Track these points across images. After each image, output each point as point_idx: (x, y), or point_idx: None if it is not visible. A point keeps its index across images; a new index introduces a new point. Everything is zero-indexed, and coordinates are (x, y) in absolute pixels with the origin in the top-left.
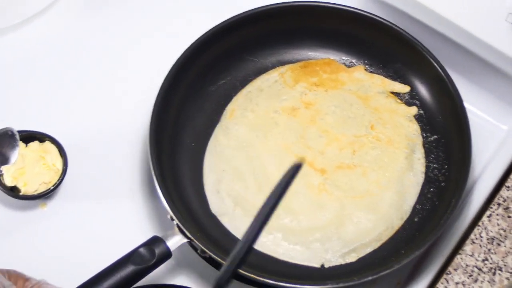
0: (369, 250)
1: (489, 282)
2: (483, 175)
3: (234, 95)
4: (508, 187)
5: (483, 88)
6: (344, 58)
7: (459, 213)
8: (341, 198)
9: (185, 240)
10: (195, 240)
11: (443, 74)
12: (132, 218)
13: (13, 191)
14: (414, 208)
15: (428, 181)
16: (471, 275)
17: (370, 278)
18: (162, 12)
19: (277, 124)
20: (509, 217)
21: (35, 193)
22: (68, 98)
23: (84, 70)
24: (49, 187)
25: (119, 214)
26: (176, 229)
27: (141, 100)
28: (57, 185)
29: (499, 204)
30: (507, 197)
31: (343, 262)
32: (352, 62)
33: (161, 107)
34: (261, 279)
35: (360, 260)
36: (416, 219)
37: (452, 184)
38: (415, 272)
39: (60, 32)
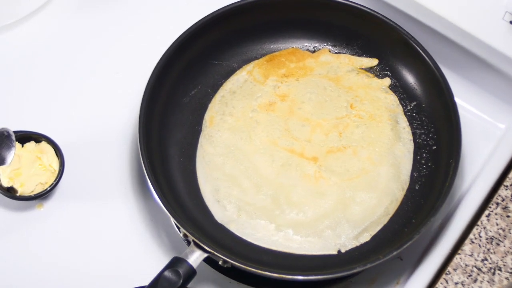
0: (380, 226)
1: (488, 282)
2: (481, 175)
3: (209, 103)
4: (507, 186)
5: (480, 87)
6: (306, 44)
7: (457, 211)
8: (339, 182)
9: (206, 254)
10: (215, 253)
11: (409, 39)
12: (128, 218)
13: (10, 192)
14: (412, 176)
15: (419, 147)
16: (470, 275)
17: (395, 252)
18: (144, 17)
19: (258, 123)
20: (508, 216)
21: (32, 193)
22: (64, 98)
23: (80, 70)
24: (45, 188)
25: (115, 214)
26: (194, 246)
27: (137, 101)
28: (53, 186)
29: (497, 204)
30: (506, 196)
31: (358, 244)
32: (315, 47)
33: (145, 127)
34: (290, 276)
35: (374, 238)
36: (417, 187)
37: (444, 145)
38: (414, 272)
39: (54, 32)
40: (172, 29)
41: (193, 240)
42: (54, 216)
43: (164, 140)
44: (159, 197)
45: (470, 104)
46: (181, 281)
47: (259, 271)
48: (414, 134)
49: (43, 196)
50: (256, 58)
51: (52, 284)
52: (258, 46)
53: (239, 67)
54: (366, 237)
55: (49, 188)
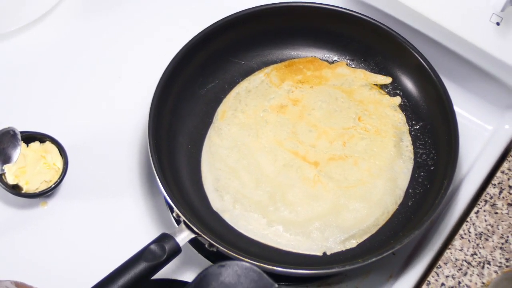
0: (367, 235)
1: (478, 275)
2: (470, 174)
3: (224, 97)
4: (495, 184)
5: (468, 90)
6: (326, 55)
7: (448, 208)
8: (335, 188)
9: (193, 235)
10: (202, 235)
11: (423, 63)
12: (131, 216)
13: (15, 189)
14: (407, 192)
15: (418, 166)
16: (460, 269)
17: (374, 259)
18: (155, 17)
19: (267, 122)
20: (496, 213)
21: (37, 191)
22: (67, 100)
23: (82, 73)
24: (50, 186)
25: (118, 212)
26: (183, 225)
27: (139, 101)
28: (57, 184)
29: (486, 201)
30: (494, 194)
31: (343, 249)
32: (334, 59)
33: (156, 112)
34: (270, 267)
35: (360, 245)
36: (410, 203)
37: (441, 166)
38: (406, 266)
39: (59, 36)
40: (184, 35)
41: (183, 220)
42: (57, 214)
43: (175, 127)
44: (159, 178)
45: (458, 106)
46: (165, 255)
47: (241, 258)
48: (415, 153)
49: (47, 193)
50: (276, 62)
51: (56, 280)
52: (280, 51)
53: (258, 68)
54: (352, 244)
55: (53, 186)
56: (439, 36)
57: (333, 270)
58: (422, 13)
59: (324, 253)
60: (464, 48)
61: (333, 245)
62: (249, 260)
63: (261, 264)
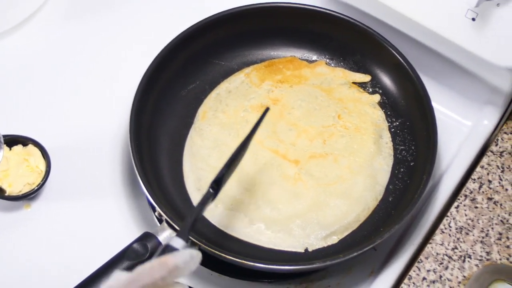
0: (349, 231)
1: (459, 269)
2: (450, 169)
3: (204, 98)
4: (474, 179)
5: (447, 86)
6: (305, 55)
7: (428, 203)
8: (316, 186)
9: (175, 234)
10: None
11: (401, 60)
12: (115, 216)
13: None
14: (387, 188)
15: (398, 162)
16: (441, 263)
17: (355, 253)
18: (135, 19)
19: (248, 122)
20: (476, 207)
21: (20, 193)
22: (49, 103)
23: (63, 76)
24: (33, 188)
25: (102, 212)
26: (165, 224)
27: (120, 103)
28: (40, 186)
29: (466, 196)
30: (474, 189)
31: (325, 245)
32: (313, 58)
33: (137, 113)
34: (251, 263)
35: (342, 241)
36: (390, 199)
37: (421, 162)
38: (388, 261)
39: (40, 41)
40: (164, 36)
41: (165, 219)
42: (41, 216)
43: (156, 128)
44: (141, 178)
45: (436, 102)
46: (147, 254)
47: (223, 255)
48: (395, 149)
49: (30, 195)
50: (256, 62)
51: (40, 281)
52: (259, 51)
53: (239, 69)
54: (333, 240)
55: (36, 188)
56: (416, 33)
57: (314, 265)
58: (399, 11)
59: (306, 250)
60: (441, 45)
61: (315, 241)
62: (231, 257)
63: (242, 261)
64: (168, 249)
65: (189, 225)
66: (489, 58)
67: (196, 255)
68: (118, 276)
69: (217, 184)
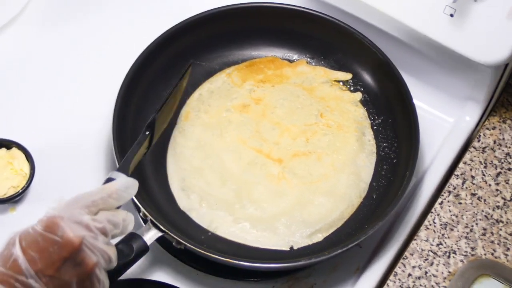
0: (333, 229)
1: (444, 264)
2: (433, 165)
3: (187, 99)
4: (457, 175)
5: (428, 83)
6: (286, 54)
7: (412, 200)
8: (300, 184)
9: (160, 233)
10: (169, 233)
11: (382, 58)
12: None
13: None
14: (371, 185)
15: (381, 159)
16: (426, 259)
17: (339, 250)
18: (115, 21)
19: (231, 122)
20: (459, 203)
21: (4, 196)
22: (33, 106)
23: (45, 79)
24: (17, 191)
25: None
26: (150, 224)
27: (103, 105)
28: (25, 188)
29: (449, 192)
30: (457, 185)
31: (310, 243)
32: (294, 58)
33: (120, 115)
34: (236, 262)
35: (327, 239)
36: (374, 196)
37: (403, 159)
38: (373, 258)
39: (22, 44)
40: (145, 38)
41: (150, 219)
42: (26, 219)
43: (139, 129)
44: None
45: (419, 100)
46: (133, 254)
47: (208, 254)
48: (378, 146)
49: (15, 198)
50: (237, 62)
51: None
52: (240, 52)
53: (220, 69)
54: (318, 238)
55: (21, 191)
56: (396, 31)
57: (300, 263)
58: (378, 9)
59: (291, 248)
60: (421, 42)
61: (300, 239)
62: (216, 256)
63: (228, 260)
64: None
65: (128, 160)
66: (468, 54)
67: (133, 182)
68: (60, 200)
69: (151, 128)
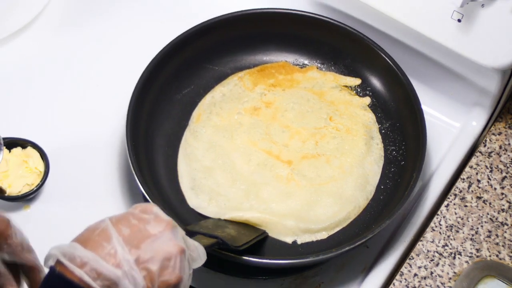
0: (338, 228)
1: (449, 265)
2: (440, 169)
3: (199, 101)
4: (463, 179)
5: (436, 89)
6: (297, 60)
7: (418, 202)
8: (308, 186)
9: None
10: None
11: (391, 64)
12: None
13: None
14: (378, 187)
15: (388, 162)
16: (432, 260)
17: (347, 248)
18: (129, 25)
19: (241, 124)
20: (465, 206)
21: (19, 194)
22: (48, 107)
23: (62, 81)
24: (32, 188)
25: (99, 213)
26: None
27: (117, 106)
28: (39, 186)
29: (455, 195)
30: (463, 188)
31: (314, 240)
32: (305, 63)
33: (133, 116)
34: (244, 258)
35: (331, 237)
36: (381, 197)
37: (411, 161)
38: (380, 258)
39: (39, 46)
40: (159, 41)
41: None
42: (40, 216)
43: (152, 130)
44: (137, 177)
45: (427, 105)
46: None
47: (218, 251)
48: (386, 150)
49: (30, 196)
50: (249, 67)
51: None
52: (252, 57)
53: (232, 73)
54: (323, 235)
55: (35, 188)
56: (405, 36)
57: (307, 259)
58: (388, 14)
59: (294, 242)
60: (430, 47)
61: (304, 235)
62: (225, 253)
63: (236, 256)
64: None
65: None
66: (476, 59)
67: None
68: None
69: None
